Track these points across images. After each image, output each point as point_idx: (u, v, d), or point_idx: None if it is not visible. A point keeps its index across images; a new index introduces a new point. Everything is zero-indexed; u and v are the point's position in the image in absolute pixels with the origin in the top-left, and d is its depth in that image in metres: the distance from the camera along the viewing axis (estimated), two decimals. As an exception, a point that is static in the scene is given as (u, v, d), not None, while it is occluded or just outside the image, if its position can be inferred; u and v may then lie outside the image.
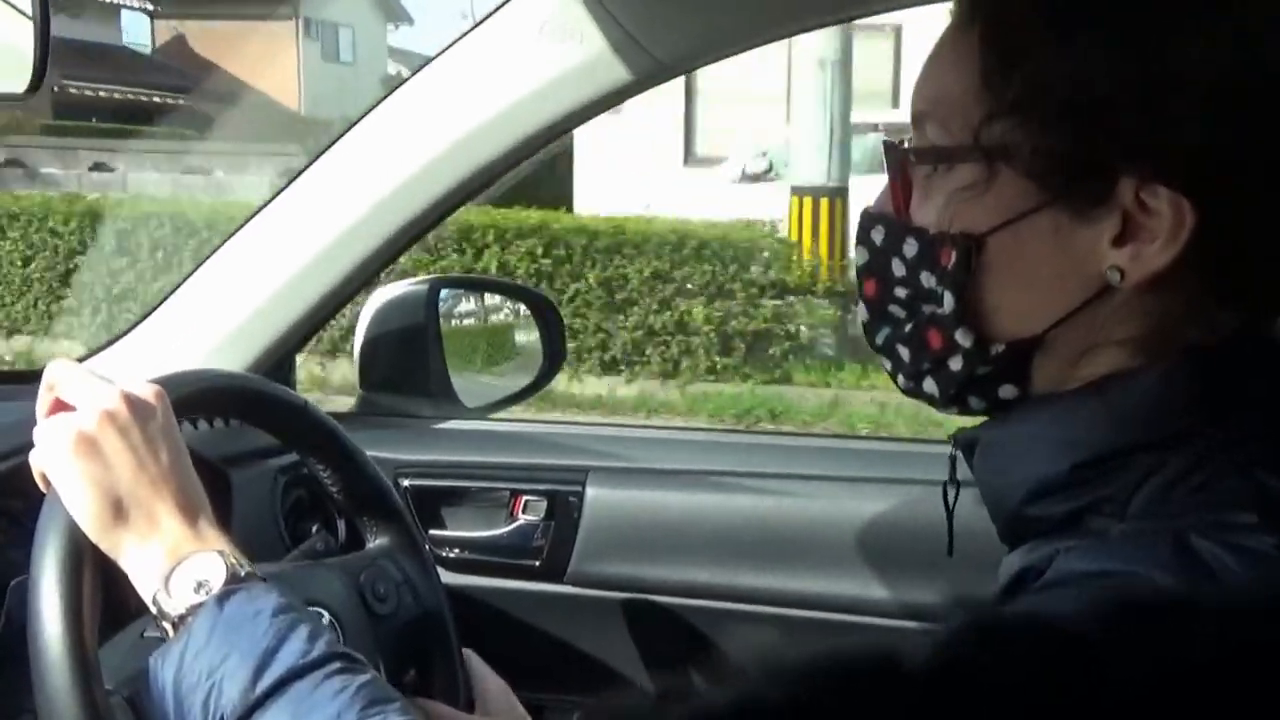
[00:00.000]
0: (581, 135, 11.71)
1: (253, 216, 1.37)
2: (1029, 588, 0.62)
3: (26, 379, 1.31)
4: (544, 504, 1.46)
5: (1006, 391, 0.69)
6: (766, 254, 7.73)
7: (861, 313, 0.75)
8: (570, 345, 7.60)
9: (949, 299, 0.67)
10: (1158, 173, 0.61)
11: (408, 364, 1.58)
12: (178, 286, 1.39)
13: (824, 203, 8.07)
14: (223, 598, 0.81)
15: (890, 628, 1.33)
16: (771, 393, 7.23)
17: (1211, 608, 0.49)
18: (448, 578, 1.37)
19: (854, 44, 8.14)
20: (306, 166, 1.36)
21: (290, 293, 1.35)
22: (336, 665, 0.80)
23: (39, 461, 0.87)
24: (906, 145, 0.71)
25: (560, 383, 7.67)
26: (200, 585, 0.82)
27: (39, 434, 0.88)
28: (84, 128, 17.30)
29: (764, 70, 10.11)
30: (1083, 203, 0.63)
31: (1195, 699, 0.44)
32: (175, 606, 0.81)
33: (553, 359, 1.71)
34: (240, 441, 1.30)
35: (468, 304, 1.78)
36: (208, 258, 1.38)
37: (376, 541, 1.15)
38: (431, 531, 1.48)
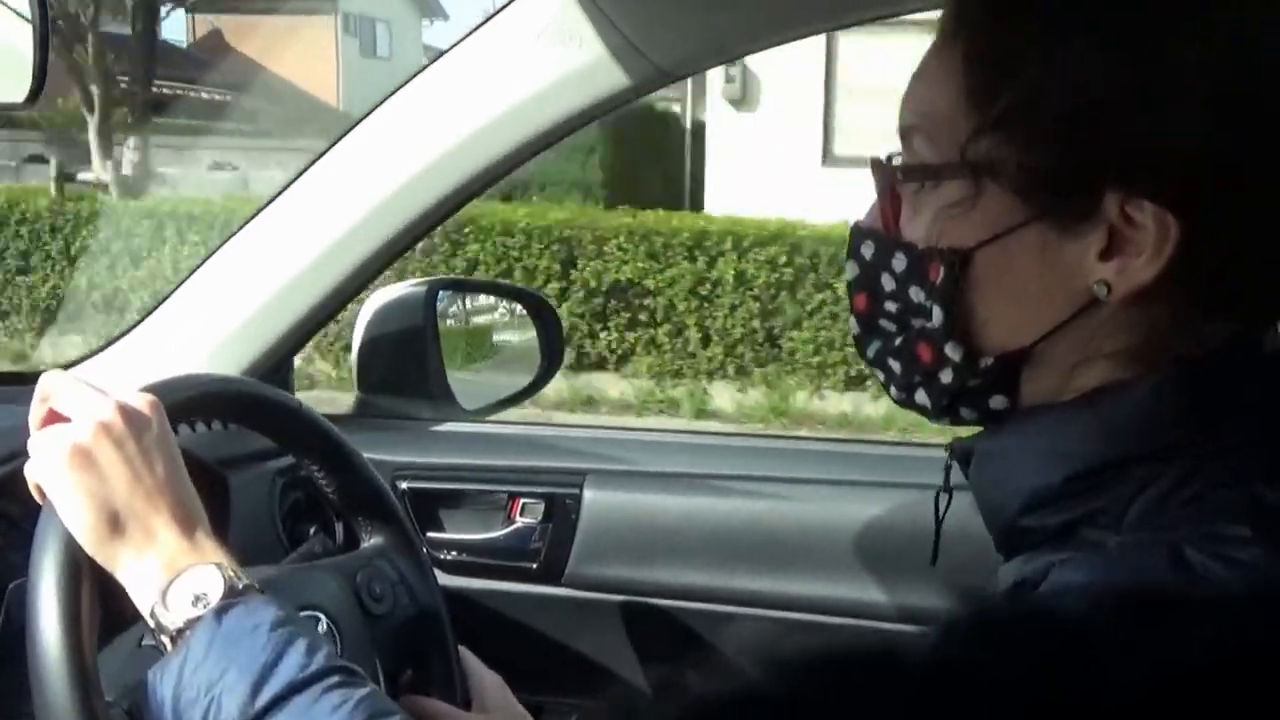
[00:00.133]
0: (714, 133, 11.50)
1: (251, 219, 1.37)
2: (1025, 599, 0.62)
3: (24, 380, 1.31)
4: (542, 506, 1.46)
5: (997, 403, 0.70)
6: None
7: (853, 326, 0.75)
8: (814, 359, 7.65)
9: (938, 313, 0.68)
10: (1142, 187, 0.61)
11: (406, 366, 1.58)
12: (176, 289, 1.39)
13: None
14: (221, 611, 0.81)
15: (887, 631, 1.33)
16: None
17: (1210, 607, 0.50)
18: (445, 580, 1.37)
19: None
20: (305, 170, 1.36)
21: (288, 295, 1.36)
22: (336, 679, 0.80)
23: (34, 474, 0.87)
24: (894, 162, 0.72)
25: (800, 399, 7.64)
26: (198, 599, 0.82)
27: (33, 446, 0.87)
28: (188, 126, 17.14)
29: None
30: (1069, 218, 0.64)
31: (1193, 697, 0.44)
32: (173, 620, 0.81)
33: (551, 360, 1.71)
34: (238, 444, 1.31)
35: (453, 305, 1.78)
36: (205, 260, 1.38)
37: (372, 541, 1.15)
38: (429, 534, 1.48)
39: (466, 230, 8.36)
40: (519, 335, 1.82)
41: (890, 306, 0.71)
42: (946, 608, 0.67)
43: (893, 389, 0.73)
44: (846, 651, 0.49)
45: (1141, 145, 0.62)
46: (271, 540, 1.30)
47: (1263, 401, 0.64)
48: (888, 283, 0.71)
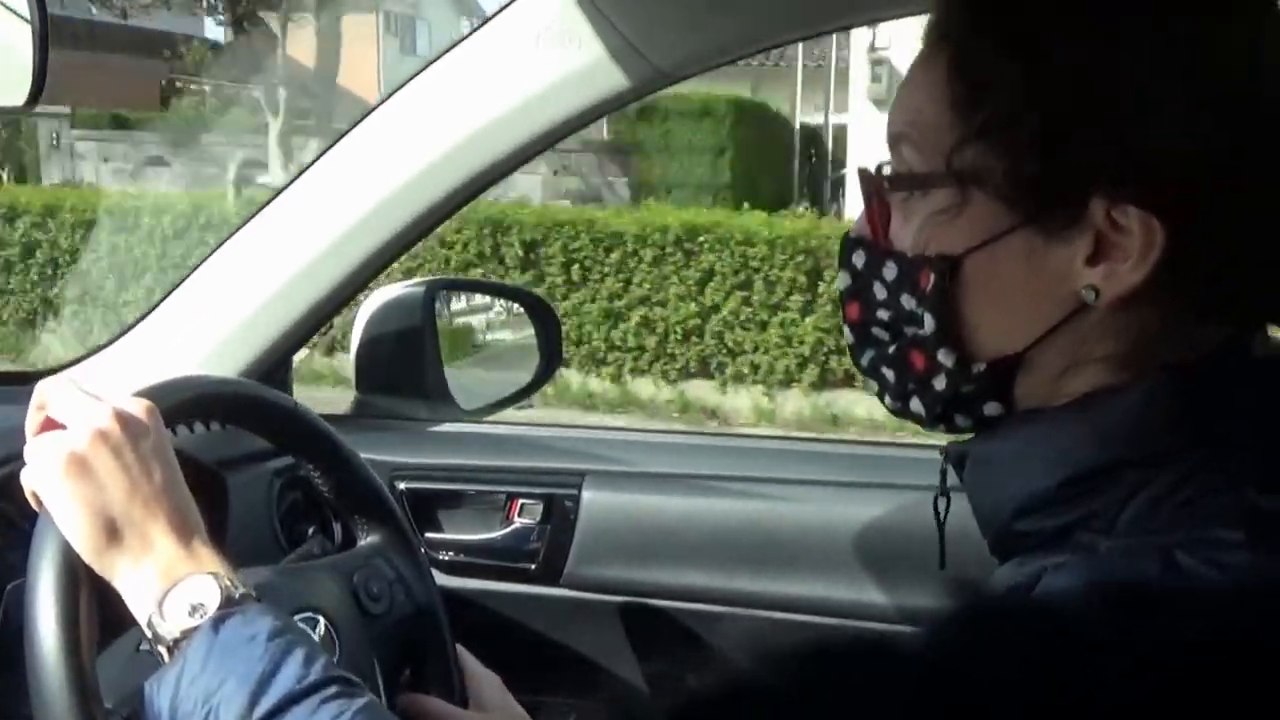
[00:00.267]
0: (856, 134, 11.30)
1: (248, 220, 1.37)
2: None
3: (23, 380, 1.31)
4: (540, 507, 1.46)
5: (991, 409, 0.70)
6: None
7: (847, 336, 0.76)
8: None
9: (929, 320, 0.68)
10: (1127, 193, 0.62)
11: (404, 366, 1.58)
12: (173, 289, 1.39)
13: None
14: (218, 621, 0.80)
15: (885, 632, 1.33)
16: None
17: (1201, 605, 0.50)
18: (444, 580, 1.37)
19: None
20: (303, 171, 1.36)
21: (286, 296, 1.35)
22: (334, 689, 0.79)
23: (30, 482, 0.86)
24: (883, 171, 0.72)
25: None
26: (195, 609, 0.81)
27: (29, 453, 0.87)
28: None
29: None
30: (1055, 224, 0.64)
31: (1184, 695, 0.44)
32: (170, 630, 0.81)
33: (549, 360, 1.72)
34: (236, 444, 1.30)
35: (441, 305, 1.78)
36: (204, 260, 1.38)
37: (369, 541, 1.15)
38: (428, 534, 1.48)
39: (701, 240, 8.02)
40: (514, 334, 1.82)
41: (882, 315, 0.72)
42: (947, 592, 0.67)
43: (887, 398, 0.74)
44: (842, 650, 0.49)
45: (1125, 153, 0.62)
46: (269, 540, 1.30)
47: (1255, 406, 0.64)
48: (879, 291, 0.72)
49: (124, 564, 0.83)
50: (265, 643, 0.80)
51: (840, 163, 14.78)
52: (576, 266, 8.23)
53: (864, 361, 0.74)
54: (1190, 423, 0.63)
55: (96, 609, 0.84)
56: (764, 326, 7.98)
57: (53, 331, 9.43)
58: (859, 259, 0.73)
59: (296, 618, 0.96)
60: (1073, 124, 0.62)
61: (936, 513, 0.81)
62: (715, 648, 1.40)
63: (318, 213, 1.35)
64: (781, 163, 15.07)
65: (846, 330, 0.75)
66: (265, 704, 0.77)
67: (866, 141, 11.15)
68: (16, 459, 0.89)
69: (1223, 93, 0.62)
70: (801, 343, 7.90)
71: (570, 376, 8.14)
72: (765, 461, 1.50)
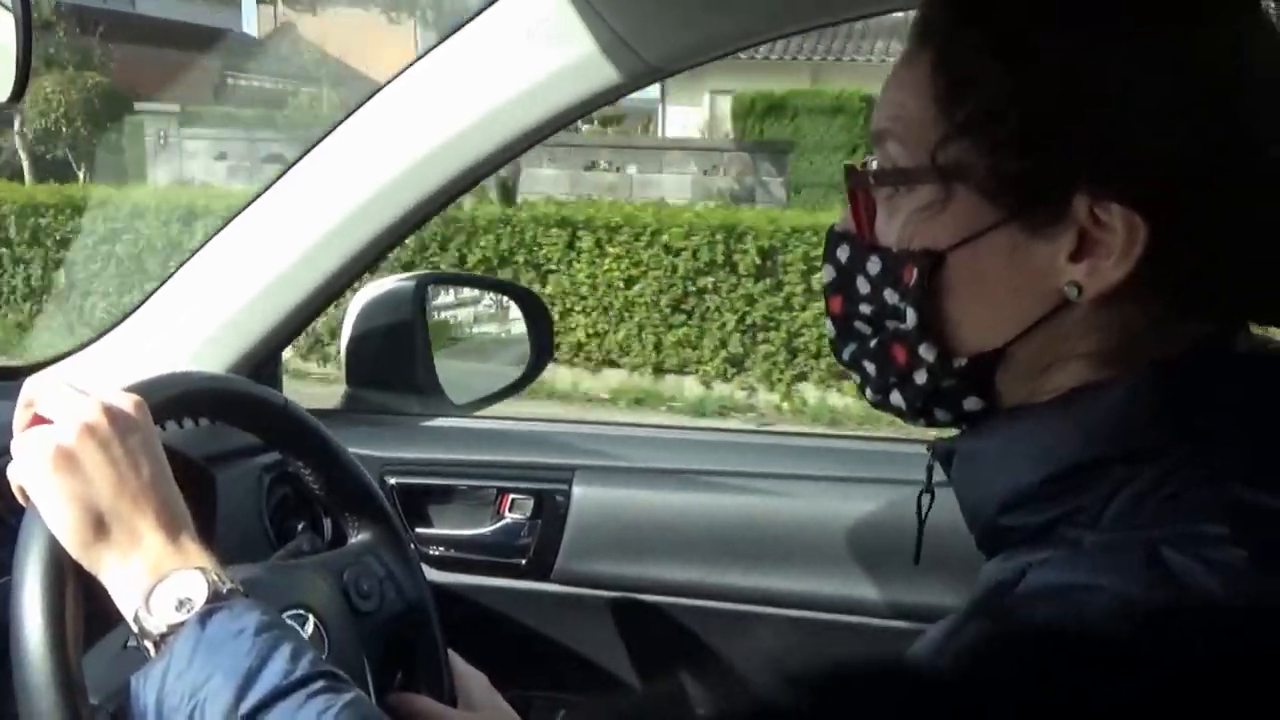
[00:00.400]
0: None
1: (235, 215, 1.36)
2: (1002, 600, 0.62)
3: (12, 375, 1.31)
4: (531, 502, 1.46)
5: (971, 404, 0.71)
6: None
7: (829, 329, 0.76)
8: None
9: (911, 315, 0.69)
10: (1110, 189, 0.62)
11: (395, 361, 1.58)
12: (160, 285, 1.39)
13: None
14: (205, 616, 0.80)
15: (877, 626, 1.34)
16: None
17: (1224, 617, 0.50)
18: (434, 576, 1.38)
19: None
20: (291, 165, 1.36)
21: (274, 292, 1.35)
22: (320, 684, 0.79)
23: (17, 476, 0.86)
24: (868, 167, 0.72)
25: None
26: (182, 603, 0.81)
27: (16, 448, 0.86)
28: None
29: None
30: (1038, 220, 0.64)
31: (1184, 694, 0.44)
32: (156, 625, 0.81)
33: (540, 354, 1.71)
34: (225, 440, 1.30)
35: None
36: (190, 256, 1.37)
37: (359, 537, 1.15)
38: (418, 529, 1.48)
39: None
40: (500, 328, 1.82)
41: (865, 309, 0.72)
42: (935, 604, 0.67)
43: (869, 390, 0.74)
44: (862, 663, 0.49)
45: (1108, 151, 0.62)
46: (259, 536, 1.30)
47: (1238, 402, 0.64)
48: (863, 285, 0.72)
49: (111, 559, 0.83)
50: (252, 637, 0.80)
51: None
52: (819, 275, 7.88)
53: (845, 355, 0.75)
54: (1174, 418, 0.63)
55: (83, 604, 0.84)
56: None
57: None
58: (843, 253, 0.74)
59: (285, 615, 0.95)
60: (1056, 122, 0.63)
61: (919, 509, 0.81)
62: (705, 643, 1.40)
63: (307, 207, 1.35)
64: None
65: (829, 323, 0.76)
66: (251, 699, 0.77)
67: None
68: (3, 454, 0.89)
69: (1207, 92, 0.62)
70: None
71: (806, 390, 7.68)
72: (756, 456, 1.50)
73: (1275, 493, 0.60)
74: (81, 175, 13.93)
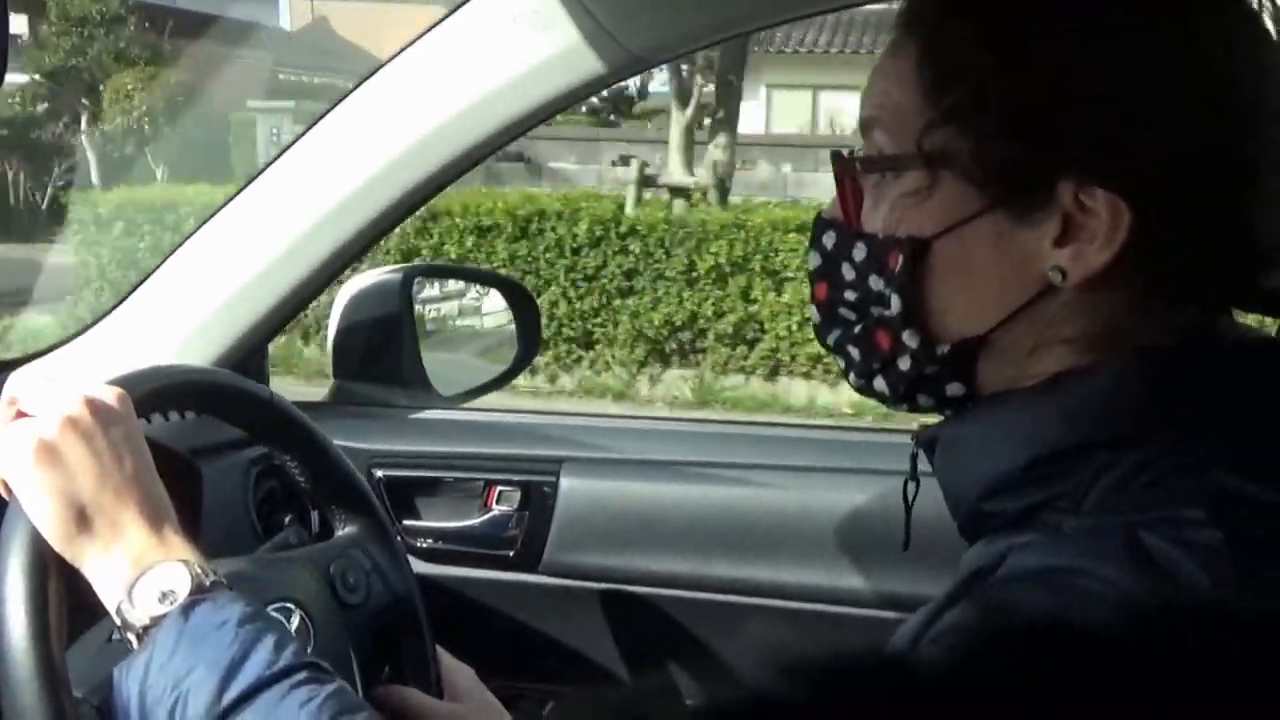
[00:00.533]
0: None
1: (221, 207, 1.36)
2: (983, 585, 0.63)
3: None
4: (518, 494, 1.46)
5: (954, 390, 0.71)
6: None
7: (814, 315, 0.76)
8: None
9: (896, 301, 0.69)
10: (1094, 175, 0.62)
11: (382, 354, 1.58)
12: (146, 278, 1.38)
13: None
14: (188, 608, 0.80)
15: (864, 617, 1.34)
16: None
17: (1241, 603, 0.50)
18: (422, 568, 1.37)
19: None
20: (277, 157, 1.35)
21: (260, 284, 1.35)
22: (303, 675, 0.80)
23: None
24: (855, 154, 0.73)
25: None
26: (165, 595, 0.81)
27: None
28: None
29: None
30: (1023, 206, 0.65)
31: (1214, 697, 0.44)
32: (139, 617, 0.81)
33: (527, 347, 1.71)
34: (211, 433, 1.30)
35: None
36: (176, 249, 1.37)
37: (345, 530, 1.15)
38: (405, 522, 1.48)
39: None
40: (480, 321, 1.82)
41: (850, 295, 0.73)
42: (923, 594, 0.67)
43: (852, 376, 0.74)
44: (855, 653, 0.49)
45: (1096, 146, 0.63)
46: (245, 530, 1.29)
47: (1222, 389, 0.65)
48: (848, 272, 0.72)
49: (93, 551, 0.83)
50: (235, 629, 0.80)
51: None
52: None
53: (830, 340, 0.75)
54: (1157, 405, 0.64)
55: (66, 597, 0.83)
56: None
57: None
58: (829, 240, 0.74)
59: (271, 608, 0.96)
60: (1045, 116, 0.63)
61: (905, 497, 0.81)
62: (693, 634, 1.40)
63: (292, 199, 1.34)
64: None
65: (814, 310, 0.76)
66: (234, 690, 0.77)
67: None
68: None
69: (1198, 88, 0.63)
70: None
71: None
72: (743, 447, 1.50)
73: (1258, 480, 0.60)
74: (160, 175, 13.07)
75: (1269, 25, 0.67)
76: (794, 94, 17.90)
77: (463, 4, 1.28)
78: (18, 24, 17.56)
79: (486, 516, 1.47)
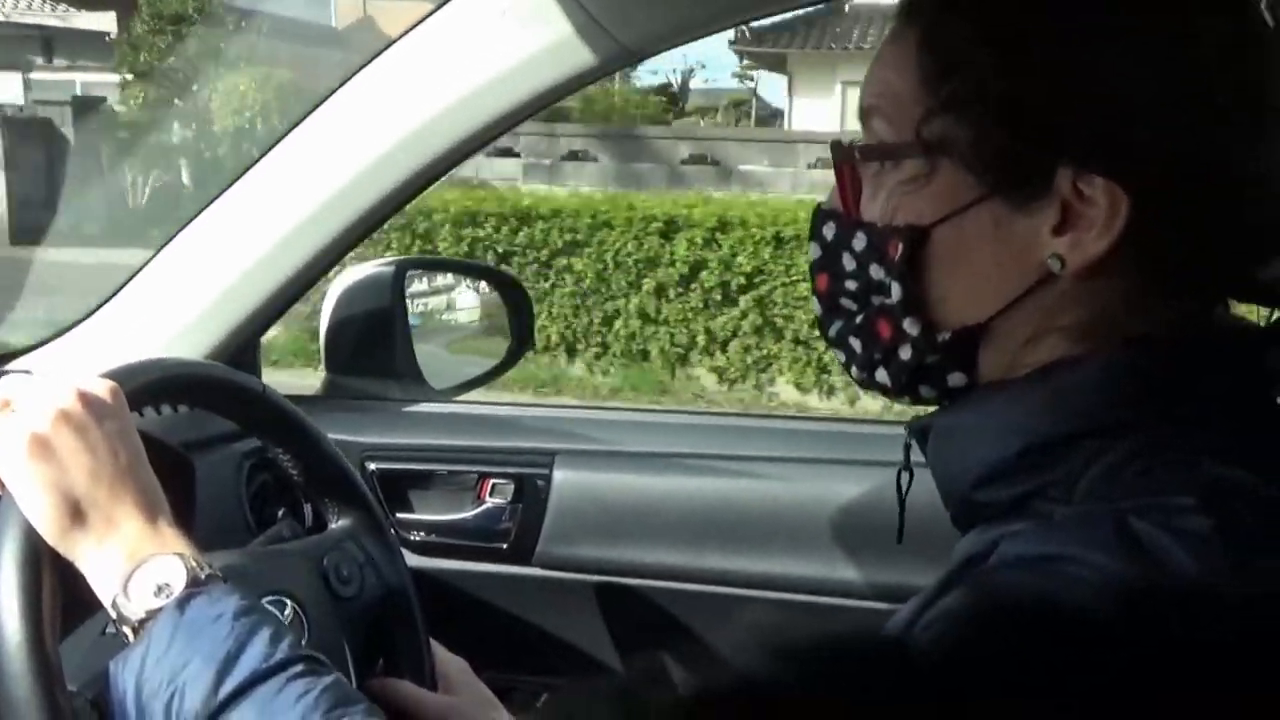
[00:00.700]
0: None
1: (213, 200, 1.36)
2: (974, 572, 0.63)
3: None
4: (511, 487, 1.46)
5: (955, 379, 0.71)
6: None
7: (815, 307, 0.76)
8: None
9: (896, 289, 0.69)
10: (1093, 163, 0.63)
11: (374, 346, 1.58)
12: (137, 272, 1.38)
13: None
14: (183, 601, 0.80)
15: (859, 608, 1.34)
16: None
17: (1230, 594, 0.50)
18: (415, 561, 1.37)
19: None
20: (269, 149, 1.35)
21: (252, 277, 1.34)
22: (300, 668, 0.79)
23: None
24: (854, 143, 0.73)
25: None
26: (160, 589, 0.81)
27: None
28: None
29: None
30: (1022, 194, 0.65)
31: (1205, 684, 0.44)
32: (135, 610, 0.81)
33: (520, 340, 1.71)
34: (204, 427, 1.30)
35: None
36: (167, 242, 1.37)
37: (339, 523, 1.15)
38: (399, 514, 1.48)
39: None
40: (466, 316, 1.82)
41: (850, 285, 0.73)
42: (917, 585, 0.67)
43: (854, 368, 0.74)
44: (852, 635, 0.49)
45: (1096, 144, 0.63)
46: (238, 523, 1.29)
47: (1216, 380, 0.65)
48: (848, 262, 0.72)
49: (88, 545, 0.83)
50: (231, 622, 0.80)
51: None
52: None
53: (831, 332, 0.75)
54: (1149, 394, 0.64)
55: (61, 592, 0.83)
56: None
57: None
58: (829, 230, 0.74)
59: (265, 601, 0.95)
60: (1038, 101, 0.63)
61: (899, 487, 0.81)
62: (687, 626, 1.40)
63: (284, 193, 1.34)
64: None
65: (815, 302, 0.76)
66: (231, 683, 0.77)
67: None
68: None
69: (1197, 88, 0.63)
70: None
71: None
72: (737, 439, 1.50)
73: (1248, 469, 0.60)
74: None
75: (1268, 20, 0.67)
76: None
77: (451, -3, 1.28)
78: (105, 21, 17.24)
79: (480, 509, 1.47)
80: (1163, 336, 0.65)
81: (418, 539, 1.47)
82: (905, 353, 0.70)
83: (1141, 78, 0.62)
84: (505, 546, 1.45)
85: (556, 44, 1.24)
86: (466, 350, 1.74)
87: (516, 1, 1.23)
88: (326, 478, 1.14)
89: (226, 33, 15.18)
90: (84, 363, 1.28)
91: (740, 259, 7.65)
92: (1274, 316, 0.70)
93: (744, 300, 7.68)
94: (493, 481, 1.47)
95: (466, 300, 1.79)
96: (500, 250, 7.97)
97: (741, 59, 20.30)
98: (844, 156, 0.73)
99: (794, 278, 7.45)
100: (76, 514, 0.83)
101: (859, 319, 0.73)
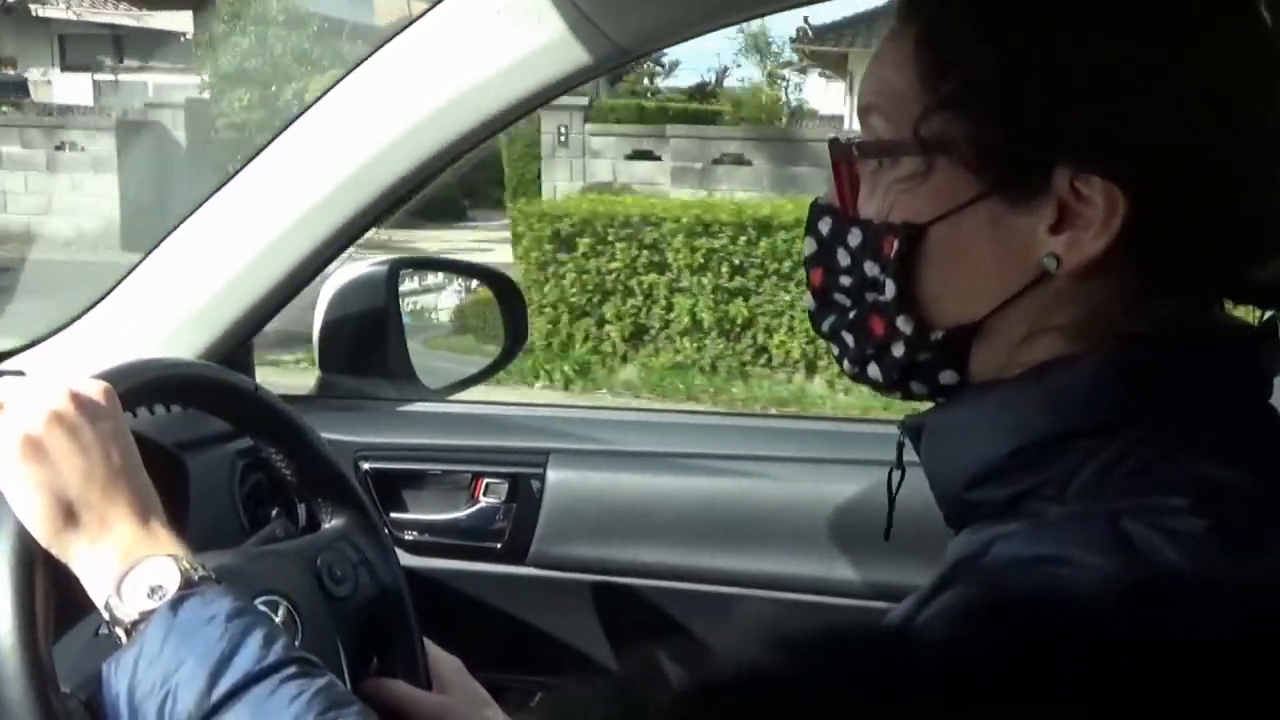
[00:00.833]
0: None
1: (206, 199, 1.35)
2: (967, 572, 0.63)
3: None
4: (505, 486, 1.46)
5: (947, 377, 0.71)
6: None
7: (809, 301, 0.76)
8: None
9: (891, 287, 0.69)
10: (1091, 162, 0.63)
11: (368, 346, 1.58)
12: (130, 271, 1.37)
13: None
14: (176, 603, 0.80)
15: (853, 607, 1.34)
16: None
17: (1226, 590, 0.50)
18: (409, 560, 1.37)
19: None
20: (262, 148, 1.35)
21: (246, 277, 1.34)
22: (293, 669, 0.79)
23: None
24: (852, 140, 0.73)
25: None
26: (154, 590, 0.81)
27: None
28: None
29: None
30: (1019, 193, 0.65)
31: (1203, 681, 0.44)
32: (128, 612, 0.80)
33: (514, 340, 1.71)
34: (197, 427, 1.29)
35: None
36: (160, 242, 1.36)
37: (332, 523, 1.15)
38: (393, 514, 1.48)
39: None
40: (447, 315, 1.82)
41: (845, 281, 0.72)
42: (911, 584, 0.67)
43: (846, 363, 0.74)
44: (854, 628, 0.49)
45: (1077, 135, 0.63)
46: (232, 523, 1.29)
47: (1209, 380, 0.65)
48: (843, 258, 0.72)
49: (81, 546, 0.83)
50: (224, 623, 0.80)
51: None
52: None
53: (825, 327, 0.75)
54: (1142, 394, 0.64)
55: (54, 593, 0.83)
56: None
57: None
58: (825, 226, 0.74)
59: (258, 601, 0.95)
60: (1036, 99, 0.63)
61: (890, 485, 0.81)
62: (681, 625, 1.40)
63: (278, 193, 1.34)
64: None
65: (809, 296, 0.76)
66: (224, 684, 0.77)
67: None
68: None
69: (1197, 88, 0.63)
70: None
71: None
72: (731, 438, 1.50)
73: (1242, 469, 0.60)
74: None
75: (1266, 18, 0.67)
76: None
77: (445, -4, 1.28)
78: (181, 21, 16.90)
79: (474, 509, 1.47)
80: (1158, 336, 0.65)
81: (411, 539, 1.47)
82: (898, 350, 0.70)
83: (1141, 77, 0.62)
84: (499, 546, 1.45)
85: (550, 43, 1.24)
86: (440, 347, 1.74)
87: (510, 1, 1.23)
88: (320, 477, 1.14)
89: (311, 34, 15.02)
90: (77, 363, 1.28)
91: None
92: (1266, 317, 0.70)
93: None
94: (487, 481, 1.47)
95: (447, 300, 1.80)
96: (737, 262, 7.50)
97: (799, 58, 20.13)
98: (842, 153, 0.73)
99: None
100: (69, 515, 0.82)
101: (852, 314, 0.73)
